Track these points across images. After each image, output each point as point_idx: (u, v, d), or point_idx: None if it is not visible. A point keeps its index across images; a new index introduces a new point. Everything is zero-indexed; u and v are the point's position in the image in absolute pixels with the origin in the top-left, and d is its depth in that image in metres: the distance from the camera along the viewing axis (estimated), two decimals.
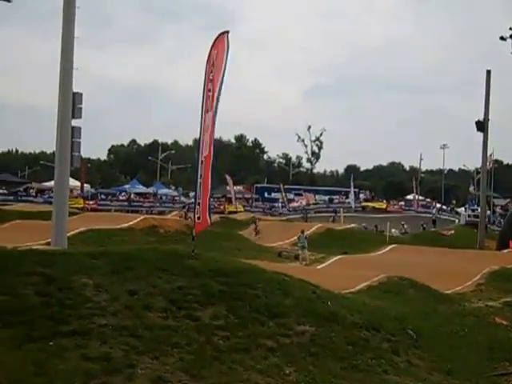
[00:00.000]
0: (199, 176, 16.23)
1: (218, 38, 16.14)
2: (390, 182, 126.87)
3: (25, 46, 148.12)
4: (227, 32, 16.22)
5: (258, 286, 13.53)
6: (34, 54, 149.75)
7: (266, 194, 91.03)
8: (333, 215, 74.29)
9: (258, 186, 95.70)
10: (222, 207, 67.49)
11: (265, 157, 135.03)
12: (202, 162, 16.26)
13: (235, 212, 64.63)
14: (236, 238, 38.24)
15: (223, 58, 15.83)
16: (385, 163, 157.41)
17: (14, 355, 9.87)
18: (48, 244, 19.97)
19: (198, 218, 16.25)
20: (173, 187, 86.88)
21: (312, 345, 12.24)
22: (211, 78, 15.87)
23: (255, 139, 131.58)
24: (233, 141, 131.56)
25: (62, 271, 12.50)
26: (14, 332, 10.40)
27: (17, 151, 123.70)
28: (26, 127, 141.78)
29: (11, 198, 56.22)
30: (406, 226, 66.65)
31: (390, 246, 38.52)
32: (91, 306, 11.49)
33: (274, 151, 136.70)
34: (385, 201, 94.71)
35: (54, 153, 22.16)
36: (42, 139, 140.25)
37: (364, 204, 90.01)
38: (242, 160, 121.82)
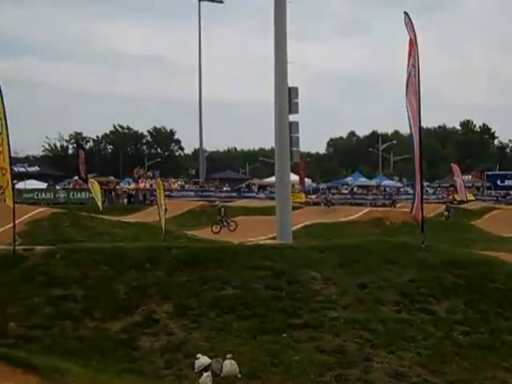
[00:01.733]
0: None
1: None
2: None
3: (238, 43, 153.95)
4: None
5: (499, 279, 12.73)
6: (247, 52, 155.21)
7: (498, 182, 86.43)
8: None
9: (489, 173, 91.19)
10: (450, 197, 65.23)
11: (495, 142, 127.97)
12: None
13: (465, 201, 61.83)
14: (468, 228, 36.49)
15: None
16: None
17: (250, 346, 10.09)
18: (273, 239, 20.36)
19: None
20: (396, 178, 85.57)
21: None
22: (413, 62, 15.05)
23: (483, 124, 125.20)
24: (458, 127, 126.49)
25: (289, 265, 12.64)
26: (248, 324, 10.66)
27: (235, 149, 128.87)
28: (244, 125, 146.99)
29: (234, 194, 58.55)
30: None
31: None
32: (321, 299, 11.50)
33: (506, 136, 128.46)
34: None
35: (272, 149, 22.56)
36: (260, 136, 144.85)
37: None
38: (469, 147, 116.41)
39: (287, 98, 20.88)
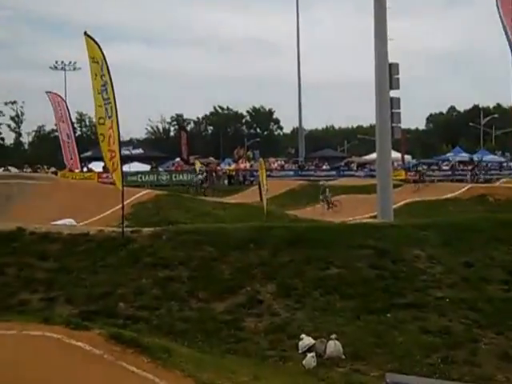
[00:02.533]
0: None
1: None
2: None
3: (337, 22, 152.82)
4: None
5: None
6: (347, 30, 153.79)
7: None
8: None
9: None
10: None
11: None
12: None
13: None
14: None
15: None
16: None
17: (354, 326, 10.06)
18: (374, 217, 20.18)
19: None
20: (498, 153, 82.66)
21: None
22: None
23: None
24: None
25: (393, 244, 12.50)
26: (352, 304, 10.62)
27: (333, 127, 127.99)
28: (341, 103, 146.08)
29: (334, 173, 58.11)
30: None
31: None
32: (426, 278, 11.32)
33: None
34: None
35: (371, 126, 22.35)
36: (357, 114, 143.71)
37: None
38: None
39: (388, 75, 20.61)
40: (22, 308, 11.22)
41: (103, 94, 14.22)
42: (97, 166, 54.53)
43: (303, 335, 9.70)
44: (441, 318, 10.14)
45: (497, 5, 14.58)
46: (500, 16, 14.75)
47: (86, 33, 14.48)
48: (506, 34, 14.84)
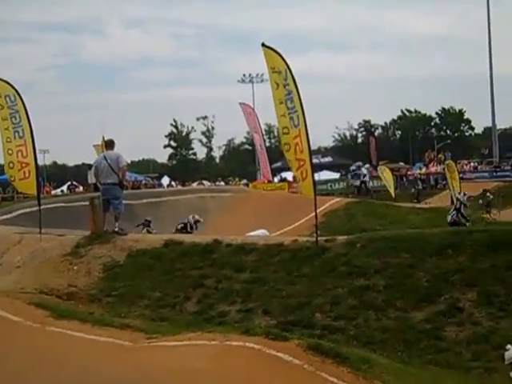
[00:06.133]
0: None
1: None
2: None
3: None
4: None
5: None
6: None
7: None
8: None
9: None
10: None
11: None
12: None
13: None
14: None
15: None
16: None
17: None
18: None
19: None
20: None
21: None
22: None
23: None
24: None
25: None
26: None
27: None
28: None
29: None
30: None
31: None
32: None
33: None
34: None
35: None
36: None
37: None
38: None
39: None
40: (222, 319, 11.66)
41: (287, 104, 14.43)
42: (289, 176, 55.57)
43: (509, 345, 9.16)
44: None
45: None
46: None
47: (263, 44, 14.81)
48: None
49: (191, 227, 25.57)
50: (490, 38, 65.57)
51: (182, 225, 25.60)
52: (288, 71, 14.35)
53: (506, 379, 8.71)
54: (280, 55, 14.53)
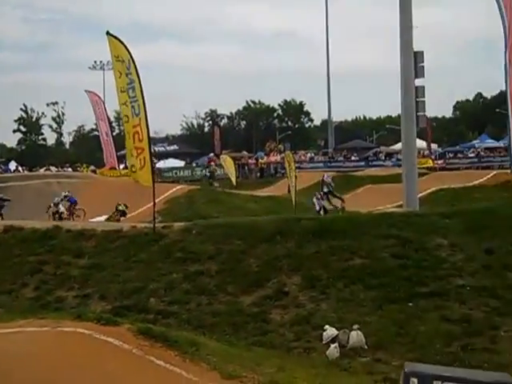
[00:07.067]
0: None
1: None
2: None
3: (365, 12, 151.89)
4: None
5: None
6: (374, 20, 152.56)
7: None
8: None
9: None
10: None
11: None
12: None
13: None
14: None
15: None
16: None
17: (377, 316, 10.29)
18: (400, 206, 20.27)
19: None
20: None
21: None
22: None
23: None
24: None
25: (416, 232, 12.65)
26: (375, 294, 10.84)
27: (364, 117, 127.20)
28: (370, 93, 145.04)
29: (362, 163, 58.02)
30: None
31: None
32: (447, 266, 11.47)
33: None
34: None
35: (399, 116, 22.38)
36: (386, 103, 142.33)
37: None
38: None
39: (413, 63, 20.62)
40: (59, 305, 11.72)
41: (129, 92, 14.53)
42: None
43: (327, 326, 9.94)
44: (461, 306, 10.30)
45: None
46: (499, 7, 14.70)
47: (108, 32, 14.85)
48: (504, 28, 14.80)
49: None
50: (327, 35, 68.28)
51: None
52: (131, 61, 14.40)
53: (323, 358, 9.50)
54: (124, 44, 14.54)
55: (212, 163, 48.55)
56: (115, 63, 14.78)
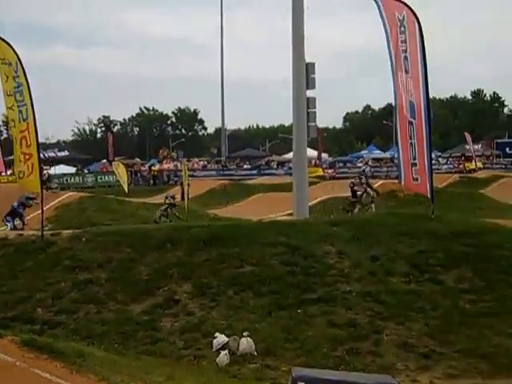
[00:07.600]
0: (410, 137, 14.83)
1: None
2: None
3: (259, 23, 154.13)
4: None
5: (505, 247, 12.60)
6: (268, 30, 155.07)
7: (507, 150, 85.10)
8: None
9: (499, 141, 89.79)
10: (460, 166, 64.77)
11: (505, 110, 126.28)
12: (410, 122, 14.82)
13: (475, 170, 61.57)
14: (477, 197, 36.30)
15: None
16: None
17: (266, 323, 10.44)
18: (290, 215, 20.62)
19: (416, 180, 14.72)
20: None
21: None
22: (402, 38, 14.82)
23: (494, 93, 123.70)
24: (469, 97, 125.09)
25: (304, 240, 12.89)
26: (264, 301, 11.00)
27: (257, 126, 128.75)
28: (264, 102, 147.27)
29: (254, 172, 58.72)
30: None
31: None
32: (335, 273, 11.76)
33: None
34: None
35: (291, 125, 22.69)
36: (280, 112, 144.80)
37: None
38: (479, 116, 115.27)
39: (304, 74, 20.93)
40: None
41: (16, 96, 14.13)
42: None
43: (217, 333, 10.00)
44: (347, 311, 10.58)
45: (381, 15, 15.01)
46: (384, 25, 15.24)
47: None
48: (388, 43, 15.34)
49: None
50: (222, 43, 68.88)
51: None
52: (19, 64, 14.00)
53: (213, 365, 9.55)
54: (11, 47, 14.10)
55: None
56: (1, 66, 14.31)
